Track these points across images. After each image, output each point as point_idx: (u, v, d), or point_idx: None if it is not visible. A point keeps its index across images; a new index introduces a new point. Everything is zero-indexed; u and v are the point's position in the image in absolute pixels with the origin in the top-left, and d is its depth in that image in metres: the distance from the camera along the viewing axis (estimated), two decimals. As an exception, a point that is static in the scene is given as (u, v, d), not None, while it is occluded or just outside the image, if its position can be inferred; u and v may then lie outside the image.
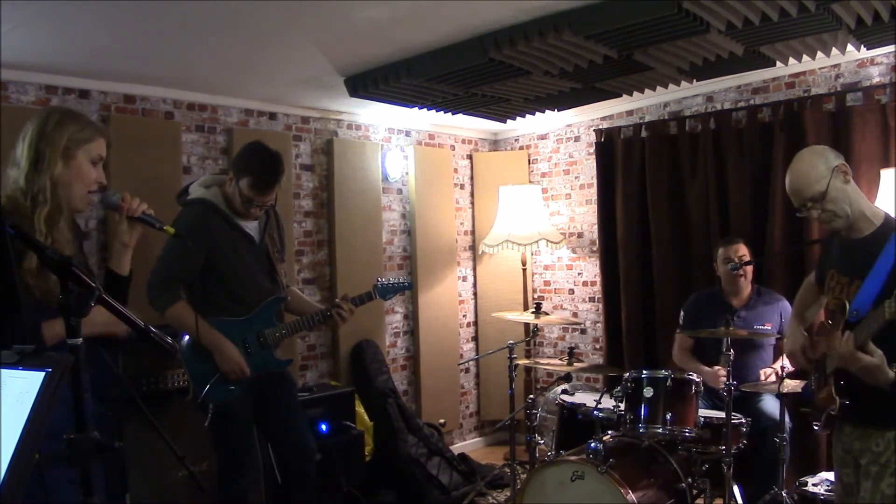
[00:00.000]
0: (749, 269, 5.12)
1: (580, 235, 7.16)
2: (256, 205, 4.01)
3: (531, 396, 5.12)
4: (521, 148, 7.59)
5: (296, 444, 4.20)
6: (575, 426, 4.82)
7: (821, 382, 3.10)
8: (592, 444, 4.09)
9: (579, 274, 7.20)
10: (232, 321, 4.00)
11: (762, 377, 4.90)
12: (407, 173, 6.92)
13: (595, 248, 6.95)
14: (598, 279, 6.91)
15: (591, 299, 7.10)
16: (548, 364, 5.39)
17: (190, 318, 3.88)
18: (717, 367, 4.88)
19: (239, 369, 3.94)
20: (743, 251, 5.16)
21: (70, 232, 2.80)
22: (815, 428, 3.15)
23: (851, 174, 3.01)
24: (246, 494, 4.06)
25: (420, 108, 5.86)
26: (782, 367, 4.57)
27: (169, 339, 2.42)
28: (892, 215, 3.08)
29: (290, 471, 4.23)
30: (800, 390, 4.41)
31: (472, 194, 7.57)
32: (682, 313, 5.37)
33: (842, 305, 2.91)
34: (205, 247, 3.92)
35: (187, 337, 4.00)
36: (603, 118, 6.87)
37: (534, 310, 5.23)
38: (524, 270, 6.95)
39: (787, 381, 4.43)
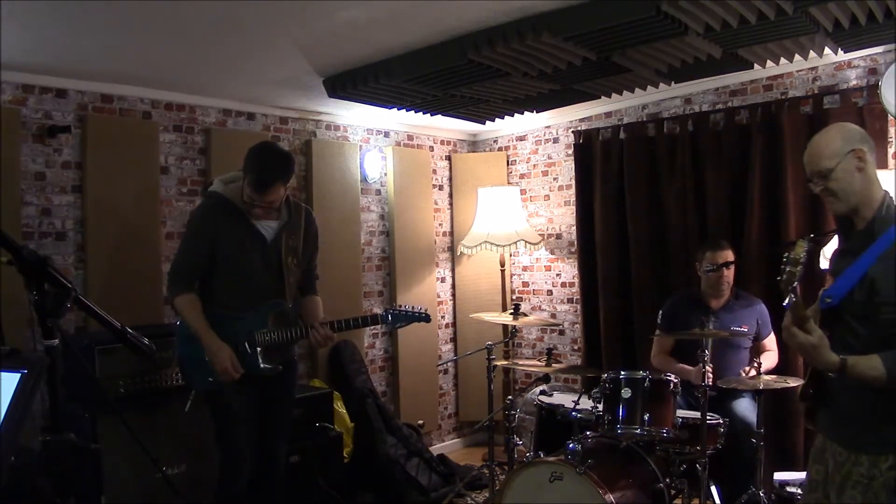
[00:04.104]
0: (731, 273, 5.14)
1: (558, 237, 7.17)
2: (258, 204, 3.94)
3: (510, 397, 5.11)
4: (499, 149, 7.60)
5: (268, 457, 4.21)
6: (553, 427, 4.83)
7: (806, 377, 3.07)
8: (571, 445, 4.10)
9: (558, 275, 7.22)
10: (226, 315, 3.99)
11: (742, 374, 4.92)
12: (385, 174, 6.91)
13: (573, 250, 6.97)
14: (576, 280, 6.93)
15: (570, 300, 7.12)
16: (526, 365, 5.39)
17: (191, 310, 3.97)
18: (700, 365, 4.90)
19: (225, 371, 3.92)
20: (730, 257, 5.15)
21: None
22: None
23: (871, 162, 2.82)
24: (244, 495, 4.04)
25: (399, 109, 5.86)
26: (758, 363, 4.62)
27: (146, 341, 2.39)
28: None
29: (256, 477, 4.19)
30: (775, 387, 4.49)
31: (450, 195, 7.57)
32: (660, 315, 5.39)
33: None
34: (208, 241, 3.98)
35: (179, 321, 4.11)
36: (581, 120, 6.89)
37: (512, 311, 5.23)
38: (503, 271, 6.95)
39: (764, 378, 4.49)
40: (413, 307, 4.35)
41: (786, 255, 2.56)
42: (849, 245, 2.87)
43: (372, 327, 6.73)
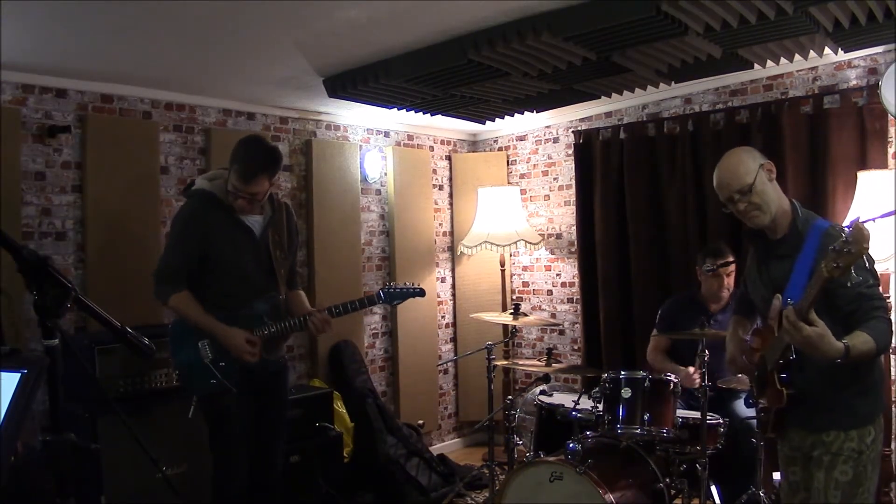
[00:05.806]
0: (731, 280, 5.12)
1: (559, 236, 7.17)
2: (242, 196, 3.93)
3: (509, 397, 5.10)
4: (499, 149, 7.60)
5: (266, 458, 4.20)
6: (553, 427, 4.82)
7: (763, 385, 3.16)
8: (571, 445, 4.10)
9: (558, 275, 7.22)
10: (223, 315, 3.96)
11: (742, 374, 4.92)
12: (385, 174, 6.91)
13: (573, 250, 6.97)
14: (576, 280, 6.93)
15: (570, 300, 7.11)
16: (526, 365, 5.39)
17: (191, 306, 3.94)
18: (690, 368, 4.89)
19: (246, 355, 3.94)
20: (731, 262, 5.14)
21: None
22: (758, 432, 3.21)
23: (775, 174, 3.17)
24: (241, 495, 4.03)
25: (399, 109, 5.85)
26: None
27: (146, 341, 2.39)
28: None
29: (254, 479, 4.19)
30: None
31: (450, 195, 7.57)
32: (658, 315, 5.38)
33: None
34: (198, 238, 3.95)
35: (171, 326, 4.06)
36: (582, 119, 6.88)
37: (512, 311, 5.23)
38: (503, 271, 6.95)
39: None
40: (406, 283, 4.43)
41: (842, 239, 2.60)
42: (780, 250, 3.12)
43: (372, 328, 6.74)
